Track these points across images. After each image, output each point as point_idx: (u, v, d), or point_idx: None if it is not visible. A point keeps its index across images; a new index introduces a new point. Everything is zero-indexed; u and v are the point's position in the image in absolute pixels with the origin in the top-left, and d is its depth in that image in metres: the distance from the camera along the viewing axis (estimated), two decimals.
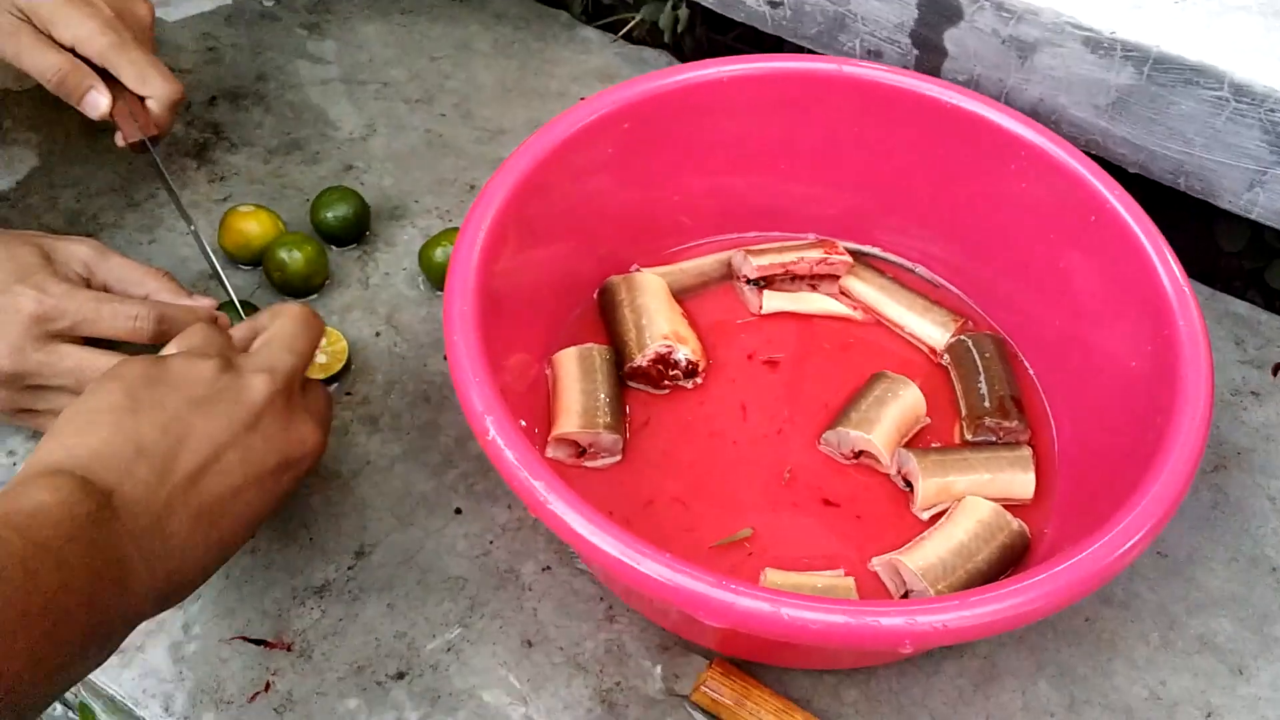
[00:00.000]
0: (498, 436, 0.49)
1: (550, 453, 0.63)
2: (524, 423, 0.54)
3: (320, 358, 0.67)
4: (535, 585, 0.59)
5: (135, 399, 0.48)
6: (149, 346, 0.58)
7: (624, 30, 0.91)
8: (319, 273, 0.71)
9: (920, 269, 0.74)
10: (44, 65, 0.67)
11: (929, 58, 0.74)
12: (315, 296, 0.72)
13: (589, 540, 0.46)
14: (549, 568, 0.60)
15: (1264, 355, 0.72)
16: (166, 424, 0.48)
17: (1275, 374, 0.71)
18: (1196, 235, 0.88)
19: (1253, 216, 0.70)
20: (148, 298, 0.61)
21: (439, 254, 0.71)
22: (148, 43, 0.71)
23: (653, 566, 0.45)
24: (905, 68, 0.75)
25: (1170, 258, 0.59)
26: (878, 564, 0.60)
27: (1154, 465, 0.51)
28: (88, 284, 0.61)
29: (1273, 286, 0.87)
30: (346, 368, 0.68)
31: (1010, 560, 0.59)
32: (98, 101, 0.68)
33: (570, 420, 0.62)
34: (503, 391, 0.52)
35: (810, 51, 0.80)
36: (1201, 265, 0.90)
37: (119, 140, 0.70)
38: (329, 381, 0.67)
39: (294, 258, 0.70)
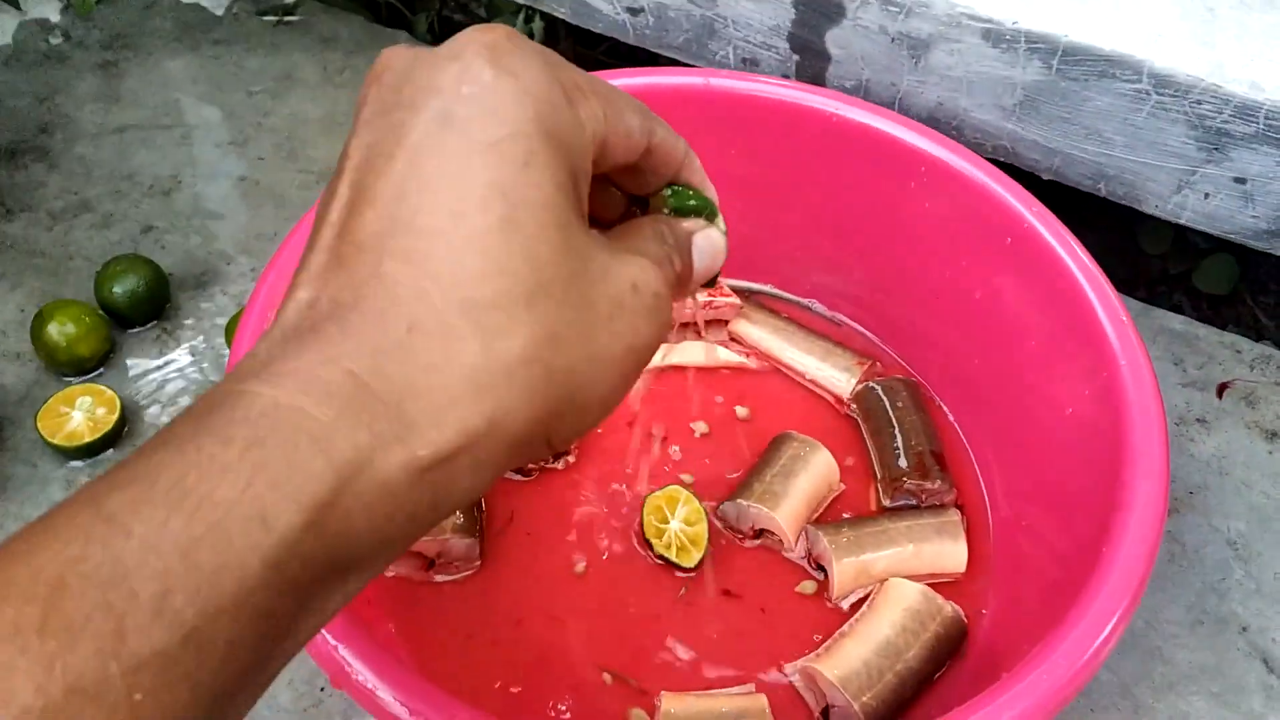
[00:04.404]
0: None
1: (390, 569, 0.52)
2: None
3: (77, 418, 0.56)
4: None
5: None
6: None
7: None
8: (100, 348, 0.60)
9: (816, 305, 0.64)
10: None
11: (811, 63, 0.65)
12: (99, 374, 0.60)
13: None
14: None
15: (1207, 375, 0.64)
16: None
17: (1220, 395, 0.63)
18: (1115, 236, 0.81)
19: (1182, 221, 0.61)
20: None
21: None
22: None
23: None
24: (785, 76, 0.66)
25: (1102, 282, 0.50)
26: (792, 673, 0.50)
27: (1114, 527, 0.42)
28: None
29: (1201, 289, 0.80)
30: (118, 433, 0.57)
31: (946, 653, 0.50)
32: None
33: None
34: None
35: (680, 63, 0.70)
36: (1123, 270, 0.83)
37: None
38: (90, 453, 0.56)
39: (68, 332, 0.58)
